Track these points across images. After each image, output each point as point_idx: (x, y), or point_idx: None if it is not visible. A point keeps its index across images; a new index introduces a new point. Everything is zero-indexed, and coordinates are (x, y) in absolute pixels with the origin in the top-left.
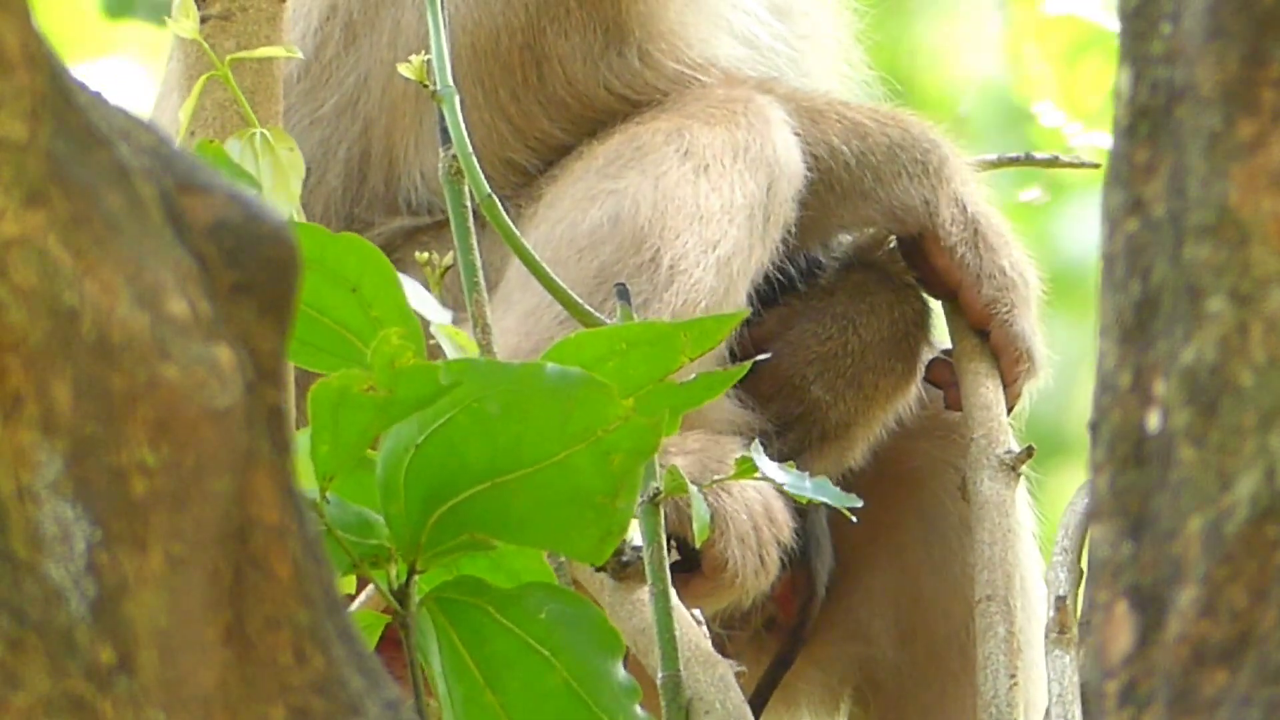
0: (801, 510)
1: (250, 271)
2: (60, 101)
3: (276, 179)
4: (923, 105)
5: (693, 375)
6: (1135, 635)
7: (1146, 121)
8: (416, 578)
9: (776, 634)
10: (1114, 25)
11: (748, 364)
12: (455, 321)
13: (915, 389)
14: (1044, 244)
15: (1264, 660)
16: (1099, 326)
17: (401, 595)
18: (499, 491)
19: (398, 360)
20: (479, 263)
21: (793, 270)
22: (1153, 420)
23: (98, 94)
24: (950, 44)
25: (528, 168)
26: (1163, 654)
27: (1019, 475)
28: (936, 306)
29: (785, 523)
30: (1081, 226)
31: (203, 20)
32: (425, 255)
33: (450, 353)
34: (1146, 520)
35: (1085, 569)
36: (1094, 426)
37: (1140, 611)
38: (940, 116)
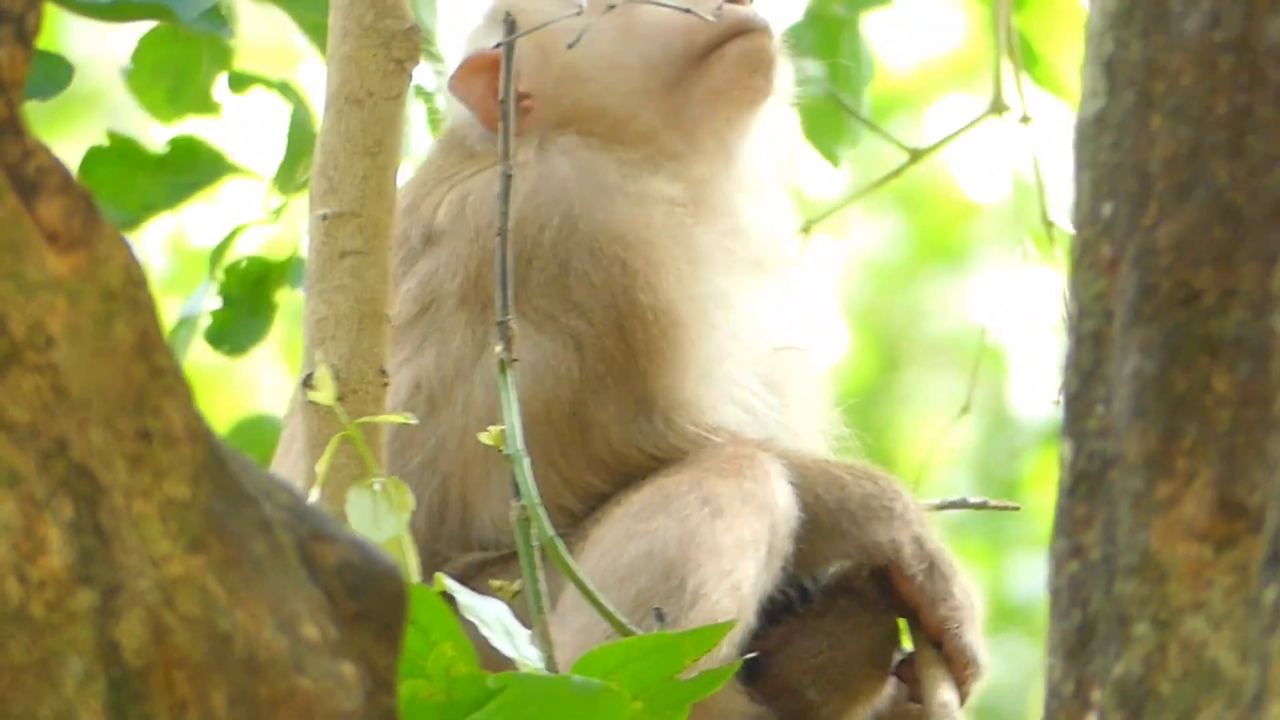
0: None
1: (369, 603)
2: (216, 467)
3: (395, 518)
4: (898, 469)
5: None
6: None
7: (1085, 483)
8: None
9: None
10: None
11: (738, 663)
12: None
13: (889, 689)
14: (1002, 581)
15: None
16: (1048, 646)
17: None
18: None
19: (451, 670)
20: (545, 590)
21: (791, 593)
22: None
23: (245, 460)
24: (922, 424)
25: (575, 511)
26: None
27: None
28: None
29: None
30: (1032, 568)
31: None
32: (499, 583)
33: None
34: None
35: None
36: None
37: None
38: (910, 478)
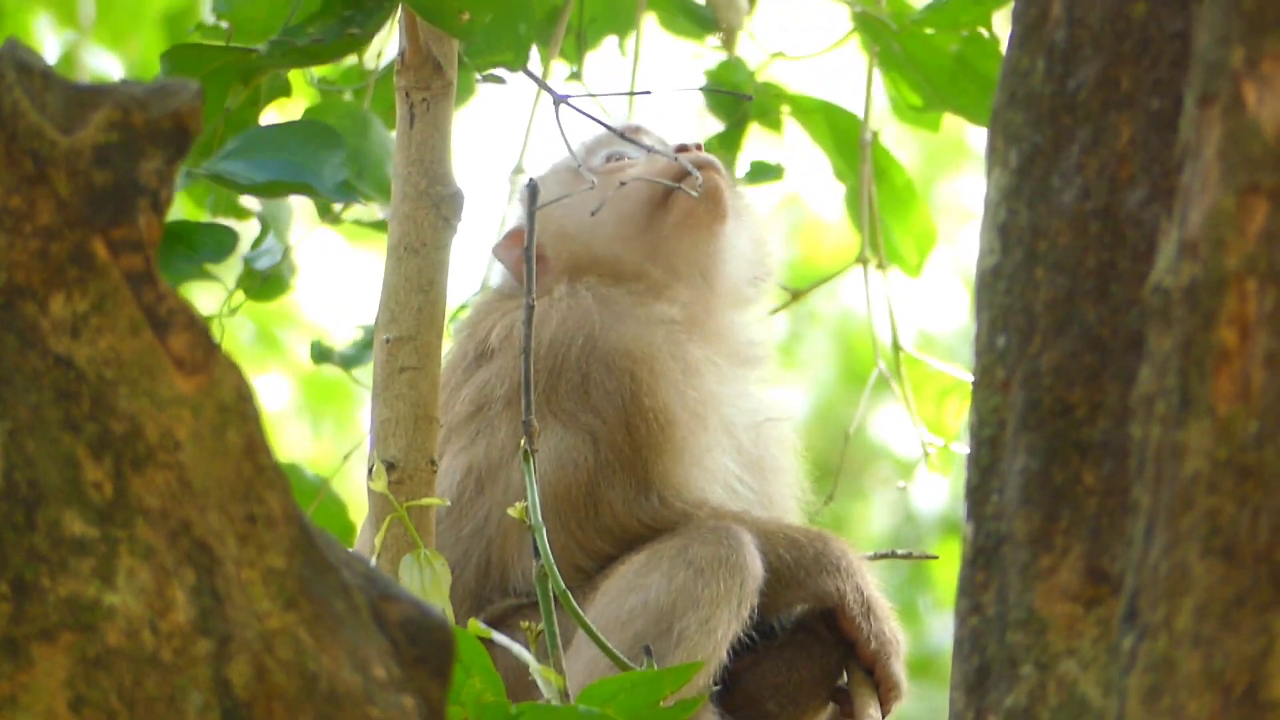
0: None
1: (424, 649)
2: (306, 543)
3: (433, 585)
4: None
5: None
6: None
7: (983, 556)
8: None
9: None
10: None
11: (705, 695)
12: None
13: (832, 707)
14: (921, 631)
15: None
16: (952, 684)
17: None
18: None
19: (481, 699)
20: (558, 631)
21: (755, 635)
22: None
23: (329, 537)
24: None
25: (587, 569)
26: None
27: None
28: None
29: None
30: (944, 621)
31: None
32: (527, 624)
33: (543, 687)
34: None
35: None
36: None
37: None
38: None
